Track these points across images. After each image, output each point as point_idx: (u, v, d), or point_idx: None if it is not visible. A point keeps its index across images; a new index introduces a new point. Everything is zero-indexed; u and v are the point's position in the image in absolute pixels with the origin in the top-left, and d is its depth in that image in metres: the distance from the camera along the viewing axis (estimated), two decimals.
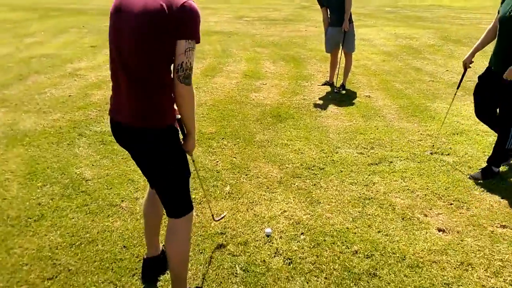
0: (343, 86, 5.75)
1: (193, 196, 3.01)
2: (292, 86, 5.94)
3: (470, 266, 2.34)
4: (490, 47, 3.31)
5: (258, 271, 2.29)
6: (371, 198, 3.04)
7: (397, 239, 2.57)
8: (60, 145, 3.87)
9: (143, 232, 2.50)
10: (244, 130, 4.31)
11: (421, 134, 4.23)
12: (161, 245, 2.33)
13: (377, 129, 4.36)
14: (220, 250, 2.46)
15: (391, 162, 3.61)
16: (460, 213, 2.86)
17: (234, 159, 3.67)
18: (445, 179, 3.31)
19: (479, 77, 3.32)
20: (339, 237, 2.58)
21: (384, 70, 6.83)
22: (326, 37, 5.80)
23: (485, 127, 4.34)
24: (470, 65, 3.42)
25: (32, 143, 3.90)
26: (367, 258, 2.40)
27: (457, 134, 4.20)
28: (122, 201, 2.98)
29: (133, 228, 2.66)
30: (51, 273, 2.26)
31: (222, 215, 2.74)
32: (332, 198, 3.04)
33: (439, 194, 3.09)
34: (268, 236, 2.59)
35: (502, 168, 3.43)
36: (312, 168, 3.50)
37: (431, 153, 3.76)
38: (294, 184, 3.24)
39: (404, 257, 2.40)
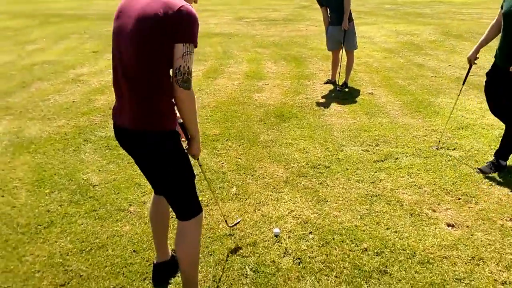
0: (345, 84, 5.75)
1: (200, 198, 3.01)
2: (294, 85, 5.94)
3: (481, 260, 2.33)
4: (495, 42, 3.30)
5: (268, 271, 2.29)
6: (378, 195, 3.04)
7: (406, 235, 2.57)
8: (66, 151, 3.89)
9: (152, 236, 2.51)
10: (248, 130, 4.32)
11: (425, 129, 4.22)
12: (170, 249, 2.34)
13: (382, 125, 4.35)
14: (230, 252, 2.47)
15: (397, 158, 3.61)
16: (469, 208, 2.85)
17: (239, 160, 3.67)
18: (452, 174, 3.30)
19: (487, 74, 3.31)
20: (347, 235, 2.58)
21: (386, 67, 6.82)
22: (327, 36, 5.80)
23: (490, 121, 4.34)
24: (475, 61, 3.41)
25: (38, 150, 3.92)
26: (377, 255, 2.40)
27: (462, 128, 4.19)
28: (130, 205, 2.99)
29: (142, 232, 2.67)
30: (63, 280, 2.27)
31: (236, 221, 2.70)
32: (339, 196, 3.04)
33: (446, 189, 3.09)
34: (276, 236, 2.60)
35: (510, 161, 3.42)
36: (318, 166, 3.50)
37: (437, 148, 3.75)
38: (301, 183, 3.24)
39: (414, 253, 2.40)
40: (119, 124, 1.83)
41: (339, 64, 5.82)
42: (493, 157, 3.35)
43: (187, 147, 1.93)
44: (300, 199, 3.02)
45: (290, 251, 2.46)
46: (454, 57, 7.34)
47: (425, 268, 2.28)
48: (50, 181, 3.34)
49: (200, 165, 2.22)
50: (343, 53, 5.72)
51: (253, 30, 11.06)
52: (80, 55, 8.18)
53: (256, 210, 2.90)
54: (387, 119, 4.53)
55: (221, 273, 2.30)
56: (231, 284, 2.22)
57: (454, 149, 3.75)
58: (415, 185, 3.17)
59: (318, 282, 2.21)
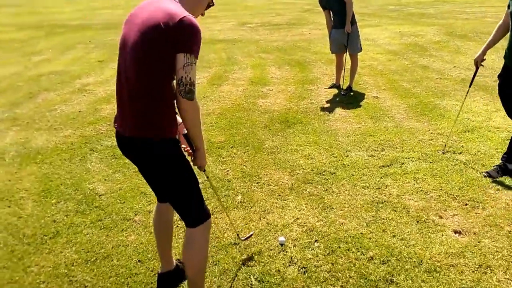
0: (350, 88, 5.73)
1: None
2: (299, 90, 5.93)
3: (488, 268, 2.30)
4: (502, 43, 3.26)
5: (273, 281, 2.28)
6: (384, 201, 3.01)
7: (412, 243, 2.54)
8: (72, 161, 3.92)
9: (156, 245, 2.51)
10: (253, 137, 4.32)
11: (431, 133, 4.18)
12: (174, 259, 2.34)
13: (387, 130, 4.33)
14: (234, 261, 2.46)
15: (403, 163, 3.58)
16: (476, 213, 2.81)
17: (244, 167, 3.67)
18: (459, 179, 3.26)
19: (498, 76, 3.27)
20: (353, 243, 2.56)
21: (390, 70, 6.79)
22: (330, 39, 5.80)
23: (496, 123, 4.30)
24: (482, 63, 3.38)
25: (45, 160, 3.96)
26: (383, 264, 2.37)
27: (468, 131, 4.15)
28: (136, 214, 3.00)
29: (147, 241, 2.67)
30: None
31: (249, 235, 2.64)
32: (344, 203, 3.02)
33: (453, 195, 3.05)
34: (281, 244, 2.58)
35: None
36: (323, 173, 3.49)
37: (443, 152, 3.72)
38: (306, 190, 3.23)
39: (421, 261, 2.37)
40: (121, 131, 1.85)
41: (343, 68, 5.81)
42: (501, 161, 3.31)
43: (192, 159, 1.94)
44: (306, 207, 3.01)
45: (296, 260, 2.45)
46: (459, 57, 7.29)
47: (432, 277, 2.25)
48: (56, 191, 3.37)
49: (207, 177, 2.23)
50: (347, 57, 5.71)
51: (256, 35, 11.09)
52: (86, 64, 8.26)
53: (261, 218, 2.89)
54: (392, 123, 4.50)
55: (226, 283, 2.29)
56: None
57: (461, 153, 3.71)
58: (421, 190, 3.14)
59: None
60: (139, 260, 2.51)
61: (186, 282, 2.24)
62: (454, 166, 3.47)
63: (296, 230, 2.73)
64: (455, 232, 2.63)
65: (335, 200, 3.07)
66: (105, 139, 4.38)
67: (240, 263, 2.44)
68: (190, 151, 1.93)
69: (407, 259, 2.40)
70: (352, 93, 5.62)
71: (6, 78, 7.23)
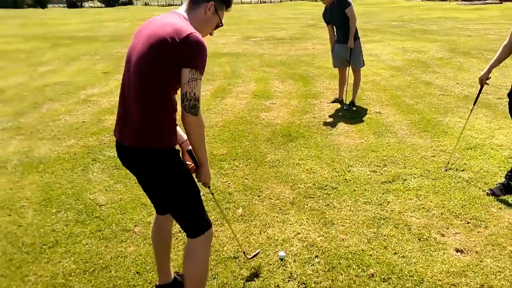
0: (352, 102, 5.75)
1: None
2: (302, 104, 5.96)
3: None
4: (506, 61, 3.27)
5: None
6: (386, 218, 2.99)
7: (414, 261, 2.51)
8: (74, 171, 3.93)
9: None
10: (255, 150, 4.32)
11: (434, 149, 4.17)
12: (173, 271, 2.32)
13: (389, 145, 4.32)
14: (234, 275, 2.43)
15: (405, 179, 3.56)
16: (478, 232, 2.78)
17: (246, 180, 3.67)
18: (461, 197, 3.24)
19: (508, 95, 3.26)
20: (354, 259, 2.54)
21: (393, 85, 6.81)
22: (333, 54, 5.84)
23: (499, 141, 4.29)
24: (487, 82, 3.39)
25: (47, 169, 3.97)
26: (383, 281, 2.34)
27: (471, 149, 4.14)
28: (136, 226, 2.98)
29: (146, 253, 2.66)
30: None
31: (255, 253, 2.59)
32: (346, 219, 3.00)
33: (455, 213, 3.03)
34: (281, 259, 2.56)
35: None
36: (325, 188, 3.48)
37: (446, 170, 3.70)
38: (307, 205, 3.21)
39: (422, 280, 2.34)
40: (121, 141, 1.85)
41: (346, 83, 5.84)
42: (504, 179, 3.28)
43: (196, 175, 1.94)
44: (307, 221, 2.99)
45: (295, 275, 2.42)
46: (462, 74, 7.31)
47: None
48: (57, 200, 3.37)
49: (212, 194, 2.23)
50: (349, 72, 5.75)
51: (260, 49, 11.19)
52: (91, 76, 8.34)
53: (262, 232, 2.87)
54: (395, 139, 4.50)
55: None
56: None
57: (463, 170, 3.70)
58: (423, 208, 3.11)
59: None
60: (137, 272, 2.49)
61: None
62: (457, 184, 3.45)
63: (297, 245, 2.71)
64: (457, 250, 2.60)
65: (336, 215, 3.05)
66: (108, 149, 4.39)
67: (239, 277, 2.42)
68: (194, 167, 1.93)
69: (408, 277, 2.37)
70: (354, 108, 5.64)
71: (12, 88, 7.30)
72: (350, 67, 5.68)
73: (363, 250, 2.63)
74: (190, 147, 1.86)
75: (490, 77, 3.36)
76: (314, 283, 2.35)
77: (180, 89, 1.73)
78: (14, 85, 7.55)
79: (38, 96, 6.72)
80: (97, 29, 17.78)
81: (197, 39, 1.67)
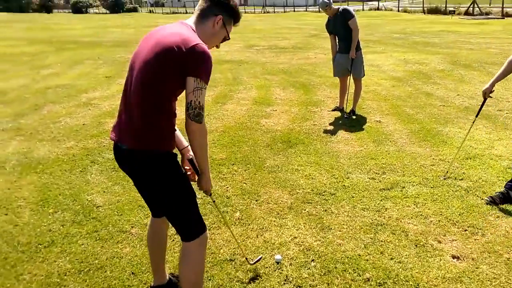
0: (353, 111, 5.77)
1: None
2: (302, 112, 5.98)
3: None
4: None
5: None
6: (383, 224, 2.98)
7: (410, 266, 2.50)
8: (72, 172, 3.93)
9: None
10: (255, 155, 4.32)
11: (433, 159, 4.17)
12: (168, 273, 2.32)
13: (389, 154, 4.32)
14: (229, 277, 2.42)
15: (404, 187, 3.56)
16: (475, 240, 2.77)
17: (244, 184, 3.66)
18: (459, 205, 3.23)
19: None
20: (350, 264, 2.52)
21: (394, 95, 6.84)
22: (334, 63, 5.88)
23: (498, 151, 4.28)
24: (491, 95, 3.40)
25: (45, 170, 3.97)
26: (379, 286, 2.33)
27: (470, 158, 4.13)
28: (132, 227, 2.98)
29: (142, 254, 2.65)
30: None
31: (257, 258, 2.56)
32: (343, 224, 2.99)
33: (453, 220, 3.02)
34: (278, 263, 2.55)
35: None
36: (323, 193, 3.47)
37: (445, 178, 3.70)
38: (305, 210, 3.21)
39: (418, 285, 2.32)
40: (117, 141, 1.86)
41: (347, 92, 5.87)
42: (504, 188, 3.27)
43: (197, 183, 1.95)
44: (304, 226, 2.98)
45: (291, 279, 2.41)
46: (463, 86, 7.34)
47: None
48: (54, 201, 3.37)
49: (213, 201, 2.23)
50: (351, 81, 5.78)
51: (263, 58, 11.27)
52: (93, 80, 8.39)
53: (259, 236, 2.87)
54: (394, 147, 4.50)
55: None
56: None
57: (462, 179, 3.69)
58: (421, 215, 3.10)
59: None
60: (132, 273, 2.48)
61: None
62: (455, 192, 3.44)
63: (293, 249, 2.70)
64: (453, 257, 2.58)
65: (334, 220, 3.04)
66: (107, 151, 4.40)
67: (235, 279, 2.40)
68: (195, 175, 1.94)
69: (403, 282, 2.35)
70: (355, 117, 5.65)
71: (14, 90, 7.35)
72: (351, 77, 5.72)
73: (359, 255, 2.61)
74: (190, 156, 1.87)
75: (493, 91, 3.37)
76: (310, 286, 2.34)
77: (179, 95, 1.76)
78: (16, 87, 7.60)
79: (40, 98, 6.76)
80: (102, 35, 17.94)
81: (203, 49, 1.69)
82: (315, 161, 4.15)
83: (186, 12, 42.90)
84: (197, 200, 1.92)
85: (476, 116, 3.80)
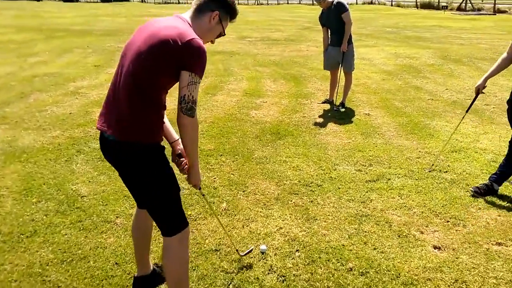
0: (342, 104, 5.78)
1: (189, 213, 2.99)
2: (292, 104, 5.97)
3: (464, 283, 2.29)
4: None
5: None
6: (368, 215, 3.01)
7: (392, 256, 2.53)
8: (57, 162, 3.88)
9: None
10: (243, 147, 4.31)
11: (419, 151, 4.21)
12: (152, 263, 2.31)
13: (376, 146, 4.35)
14: (214, 267, 2.42)
15: (389, 179, 3.58)
16: (456, 231, 2.81)
17: (231, 175, 3.66)
18: (442, 196, 3.27)
19: (507, 102, 3.30)
20: (334, 254, 2.54)
21: (384, 89, 6.86)
22: (326, 56, 5.88)
23: (483, 145, 4.33)
24: (483, 91, 3.42)
25: (29, 159, 3.92)
26: (361, 275, 2.35)
27: (456, 151, 4.18)
28: (117, 217, 2.96)
29: (126, 244, 2.63)
30: None
31: (248, 250, 2.55)
32: (328, 215, 3.01)
33: (436, 212, 3.05)
34: (263, 253, 2.56)
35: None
36: (310, 185, 3.48)
37: (430, 171, 3.74)
38: (291, 201, 3.22)
39: (399, 274, 2.35)
40: (105, 132, 1.82)
41: (337, 85, 5.87)
42: (488, 180, 3.31)
43: (186, 177, 1.93)
44: (290, 217, 2.99)
45: (275, 268, 2.42)
46: (452, 81, 7.39)
47: None
48: (38, 190, 3.33)
49: (203, 195, 2.22)
50: (341, 74, 5.78)
51: (254, 49, 11.20)
52: (82, 68, 8.27)
53: (245, 226, 2.87)
54: (382, 140, 4.52)
55: None
56: None
57: (446, 172, 3.73)
58: (405, 206, 3.14)
59: None
60: (116, 263, 2.47)
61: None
62: (439, 184, 3.48)
63: (278, 239, 2.71)
64: (435, 247, 2.62)
65: (319, 211, 3.06)
66: (93, 141, 4.36)
67: (220, 269, 2.41)
68: (184, 168, 1.92)
69: (385, 271, 2.38)
70: (344, 109, 5.66)
71: (0, 78, 7.22)
72: (342, 70, 5.71)
73: (343, 245, 2.63)
74: (179, 151, 1.85)
75: (486, 86, 3.39)
76: (294, 276, 2.35)
77: (170, 88, 1.74)
78: (3, 74, 7.47)
79: (26, 87, 6.65)
80: (92, 23, 17.66)
81: (198, 44, 1.68)
82: (303, 153, 4.16)
83: (179, 2, 42.34)
84: (184, 191, 1.91)
85: (467, 111, 3.83)
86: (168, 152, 1.89)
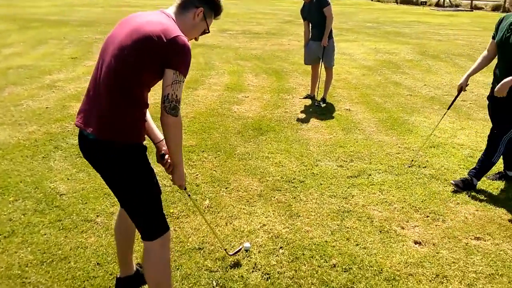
0: (323, 99, 5.82)
1: (171, 211, 2.96)
2: (274, 99, 5.97)
3: (445, 278, 2.36)
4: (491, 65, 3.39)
5: (235, 287, 2.26)
6: (350, 211, 3.05)
7: (374, 252, 2.58)
8: (34, 158, 3.77)
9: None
10: (225, 142, 4.30)
11: (399, 147, 4.29)
12: (135, 263, 2.27)
13: (357, 142, 4.41)
14: (197, 266, 2.42)
15: (370, 174, 3.65)
16: (436, 226, 2.89)
17: (214, 172, 3.64)
18: (422, 192, 3.35)
19: (488, 98, 3.38)
20: (317, 250, 2.58)
21: (364, 84, 6.95)
22: (307, 50, 5.89)
23: (461, 140, 4.46)
24: (466, 88, 3.50)
25: (5, 156, 3.79)
26: (345, 271, 2.39)
27: (434, 147, 4.28)
28: (98, 216, 2.90)
29: (108, 244, 2.59)
30: None
31: (237, 250, 2.53)
32: (311, 211, 3.04)
33: (416, 207, 3.13)
34: (246, 250, 2.56)
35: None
36: (293, 181, 3.50)
37: (409, 166, 3.82)
38: (274, 197, 3.23)
39: (381, 270, 2.41)
40: (84, 130, 1.76)
41: (318, 80, 5.90)
42: (468, 175, 3.40)
43: (171, 178, 1.90)
44: (273, 213, 3.01)
45: (259, 266, 2.43)
46: (430, 76, 7.54)
47: (391, 285, 2.29)
48: (15, 188, 3.23)
49: (189, 195, 2.20)
50: (322, 69, 5.81)
51: (236, 43, 11.13)
52: (58, 61, 8.03)
53: (228, 224, 2.87)
54: (362, 136, 4.59)
55: (187, 287, 2.24)
56: None
57: (425, 167, 3.82)
58: (386, 201, 3.20)
59: None
60: (97, 263, 2.42)
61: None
62: (418, 180, 3.56)
63: (262, 237, 2.72)
64: (415, 242, 2.69)
65: (302, 208, 3.09)
66: (71, 137, 4.25)
67: (203, 268, 2.40)
68: (168, 168, 1.90)
69: (368, 267, 2.43)
70: (325, 105, 5.71)
71: None
72: (323, 65, 5.74)
73: (326, 242, 2.67)
74: (162, 152, 1.82)
75: (468, 84, 3.47)
76: (278, 273, 2.37)
77: (153, 86, 1.70)
78: None
79: (0, 80, 6.40)
80: (68, 13, 17.11)
81: (183, 42, 1.65)
82: (286, 149, 4.18)
83: None
84: (166, 188, 1.88)
85: (448, 109, 3.91)
86: (152, 152, 1.86)
